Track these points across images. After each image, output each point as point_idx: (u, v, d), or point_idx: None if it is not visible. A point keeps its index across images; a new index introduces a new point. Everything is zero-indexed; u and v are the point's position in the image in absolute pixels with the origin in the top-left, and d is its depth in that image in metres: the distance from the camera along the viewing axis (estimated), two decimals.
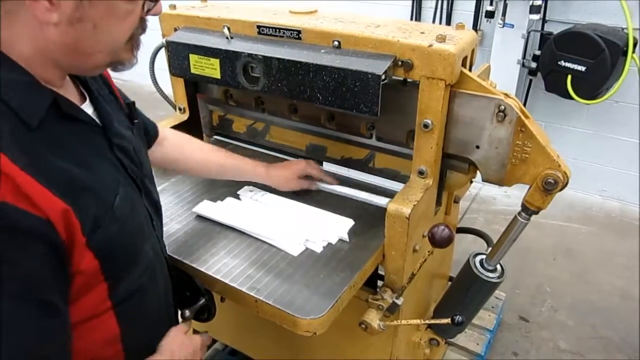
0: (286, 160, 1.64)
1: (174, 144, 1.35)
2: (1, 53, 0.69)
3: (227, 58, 1.34)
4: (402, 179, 1.47)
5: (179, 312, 1.22)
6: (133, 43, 0.81)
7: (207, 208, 1.41)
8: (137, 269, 0.88)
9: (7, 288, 0.63)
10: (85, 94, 0.88)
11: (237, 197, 1.49)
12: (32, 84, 0.72)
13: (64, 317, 0.73)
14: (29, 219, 0.64)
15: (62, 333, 0.73)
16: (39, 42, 0.70)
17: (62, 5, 0.68)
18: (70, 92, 0.82)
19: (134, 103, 1.03)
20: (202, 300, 1.21)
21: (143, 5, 0.78)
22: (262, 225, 1.32)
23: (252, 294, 1.11)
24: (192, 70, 1.42)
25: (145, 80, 1.71)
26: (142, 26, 0.81)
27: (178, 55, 1.43)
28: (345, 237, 1.30)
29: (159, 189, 1.49)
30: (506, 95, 1.19)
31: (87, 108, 0.85)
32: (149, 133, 1.24)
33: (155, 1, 0.80)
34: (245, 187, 1.52)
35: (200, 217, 1.38)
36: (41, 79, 0.74)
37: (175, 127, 1.67)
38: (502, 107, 1.17)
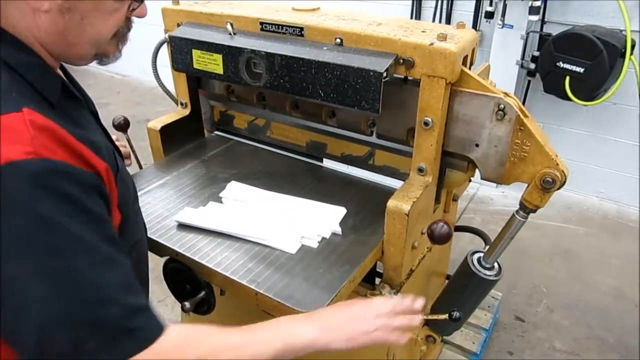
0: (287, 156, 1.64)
1: None
2: (15, 38, 0.74)
3: (230, 54, 1.35)
4: (402, 176, 1.48)
5: (174, 304, 1.24)
6: (119, 39, 0.86)
7: (190, 215, 1.34)
8: (136, 225, 0.97)
9: (99, 233, 0.72)
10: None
11: (220, 200, 1.44)
12: (45, 66, 0.78)
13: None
14: (86, 175, 0.73)
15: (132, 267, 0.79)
16: (33, 29, 0.75)
17: None
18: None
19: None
20: (202, 293, 1.22)
21: (129, 6, 0.83)
22: (254, 227, 1.29)
23: (252, 287, 1.12)
24: (195, 66, 1.43)
25: (145, 76, 1.74)
26: (127, 25, 0.87)
27: (181, 51, 1.44)
28: (338, 229, 1.30)
29: (160, 182, 1.52)
30: (506, 94, 1.21)
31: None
32: None
33: (140, 2, 0.85)
34: (228, 186, 1.49)
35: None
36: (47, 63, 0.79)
37: (177, 121, 1.69)
38: (502, 106, 1.18)
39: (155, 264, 1.21)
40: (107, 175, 0.77)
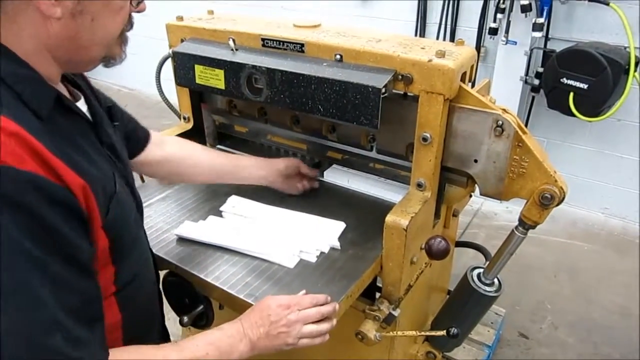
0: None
1: (175, 144, 1.39)
2: (8, 50, 0.74)
3: (231, 69, 1.37)
4: (403, 179, 1.50)
5: (178, 319, 1.24)
6: (122, 38, 0.87)
7: (190, 229, 1.35)
8: (135, 253, 0.95)
9: (54, 251, 0.69)
10: (80, 94, 0.93)
11: (220, 214, 1.45)
12: (38, 79, 0.77)
13: (97, 282, 0.79)
14: (59, 190, 0.70)
15: (99, 294, 0.78)
16: (42, 37, 0.75)
17: None
18: (63, 91, 0.87)
19: (114, 106, 1.08)
20: (200, 307, 1.22)
21: (131, 2, 0.84)
22: (252, 241, 1.29)
23: (249, 301, 1.12)
24: (198, 81, 1.45)
25: (151, 90, 1.75)
26: (130, 22, 0.87)
27: (184, 66, 1.46)
28: (337, 244, 1.31)
29: (161, 196, 1.53)
30: (504, 110, 1.21)
31: (82, 106, 0.90)
32: (139, 135, 1.28)
33: None
34: (229, 200, 1.50)
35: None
36: (42, 75, 0.78)
37: (180, 136, 1.70)
38: (500, 122, 1.19)
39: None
40: (84, 194, 0.74)
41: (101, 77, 5.71)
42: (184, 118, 1.75)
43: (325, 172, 1.64)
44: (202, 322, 1.27)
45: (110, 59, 0.87)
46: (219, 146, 1.87)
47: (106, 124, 0.96)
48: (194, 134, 1.76)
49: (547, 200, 1.17)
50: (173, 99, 1.76)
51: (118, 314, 0.91)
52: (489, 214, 3.31)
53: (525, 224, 1.24)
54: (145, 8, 0.88)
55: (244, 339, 0.98)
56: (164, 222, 1.40)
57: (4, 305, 0.64)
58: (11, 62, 0.74)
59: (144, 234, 1.06)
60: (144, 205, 1.46)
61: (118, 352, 0.81)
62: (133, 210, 0.96)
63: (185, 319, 1.21)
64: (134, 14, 0.87)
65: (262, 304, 1.04)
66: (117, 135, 1.00)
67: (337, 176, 1.62)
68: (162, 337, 1.16)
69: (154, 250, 1.28)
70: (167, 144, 1.36)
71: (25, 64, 0.75)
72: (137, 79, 5.22)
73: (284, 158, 1.54)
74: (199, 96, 1.73)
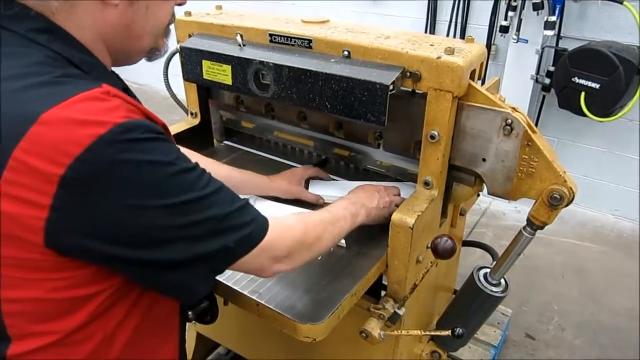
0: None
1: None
2: (75, 40, 0.76)
3: (238, 65, 1.36)
4: (410, 176, 1.50)
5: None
6: (166, 30, 0.90)
7: None
8: None
9: (196, 175, 0.78)
10: None
11: None
12: (105, 67, 0.81)
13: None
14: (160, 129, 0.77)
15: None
16: (99, 26, 0.77)
17: None
18: None
19: None
20: (205, 303, 1.22)
21: None
22: None
23: (254, 297, 1.12)
24: (205, 76, 1.45)
25: (160, 85, 1.75)
26: (173, 14, 0.89)
27: (191, 61, 1.45)
28: (342, 241, 1.30)
29: None
30: (514, 109, 1.20)
31: None
32: None
33: None
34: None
35: None
36: None
37: (187, 131, 1.70)
38: (509, 121, 1.17)
39: None
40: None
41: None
42: (192, 113, 1.74)
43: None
44: (206, 317, 1.27)
45: (155, 51, 0.90)
46: (225, 142, 1.87)
47: None
48: (201, 130, 1.76)
49: (556, 201, 1.16)
50: (181, 94, 1.76)
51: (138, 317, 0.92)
52: (497, 214, 3.29)
53: (534, 225, 1.23)
54: (186, 1, 0.91)
55: (362, 208, 1.21)
56: None
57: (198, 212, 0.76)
58: (78, 50, 0.76)
59: None
60: None
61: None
62: None
63: (190, 314, 1.21)
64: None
65: (367, 187, 1.33)
66: None
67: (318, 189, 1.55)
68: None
69: None
70: None
71: (90, 53, 0.78)
72: (146, 74, 5.24)
73: (293, 170, 1.55)
74: (206, 92, 1.73)
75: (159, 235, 0.73)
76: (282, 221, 0.94)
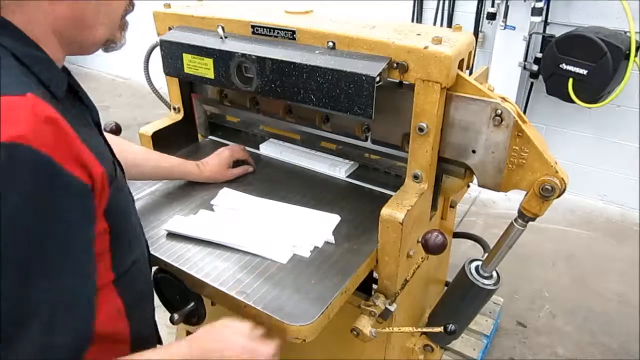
0: None
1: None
2: (21, 32, 0.73)
3: (220, 58, 1.32)
4: (399, 169, 1.48)
5: (169, 316, 1.21)
6: (123, 23, 0.86)
7: (180, 224, 1.31)
8: (132, 241, 0.92)
9: (70, 240, 0.69)
10: None
11: (211, 207, 1.41)
12: (51, 61, 0.77)
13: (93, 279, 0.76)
14: (76, 182, 0.69)
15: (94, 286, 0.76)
16: (49, 19, 0.74)
17: None
18: None
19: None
20: (191, 304, 1.19)
21: None
22: (244, 236, 1.26)
23: (240, 298, 1.09)
24: (186, 70, 1.41)
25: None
26: (131, 3, 0.87)
27: (172, 55, 1.41)
28: (331, 238, 1.27)
29: (150, 189, 1.50)
30: (503, 99, 1.17)
31: None
32: None
33: None
34: (220, 193, 1.47)
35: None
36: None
37: (170, 126, 1.66)
38: (499, 111, 1.15)
39: None
40: (102, 181, 0.74)
41: (95, 66, 5.64)
42: (174, 109, 1.70)
43: (261, 146, 1.70)
44: (194, 319, 1.24)
45: (111, 43, 0.86)
46: (210, 137, 1.83)
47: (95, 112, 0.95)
48: (185, 125, 1.72)
49: (548, 192, 1.14)
50: (165, 88, 1.71)
51: (120, 302, 0.89)
52: (487, 202, 3.28)
53: (525, 216, 1.21)
54: None
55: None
56: (153, 216, 1.36)
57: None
58: (25, 44, 0.73)
59: (139, 222, 1.03)
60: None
61: None
62: (129, 196, 0.95)
63: (176, 316, 1.18)
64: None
65: (221, 332, 0.95)
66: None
67: (270, 150, 1.67)
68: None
69: None
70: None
71: (37, 47, 0.75)
72: (132, 68, 5.15)
73: (220, 153, 1.55)
74: (189, 86, 1.68)
75: None
76: None
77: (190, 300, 1.19)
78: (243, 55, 1.27)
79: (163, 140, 1.62)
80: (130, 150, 1.35)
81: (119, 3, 0.83)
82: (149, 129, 1.60)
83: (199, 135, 1.80)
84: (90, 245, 0.74)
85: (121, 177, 0.88)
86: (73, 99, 0.83)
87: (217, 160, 1.53)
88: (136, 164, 1.35)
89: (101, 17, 0.80)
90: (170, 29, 1.48)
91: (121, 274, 0.88)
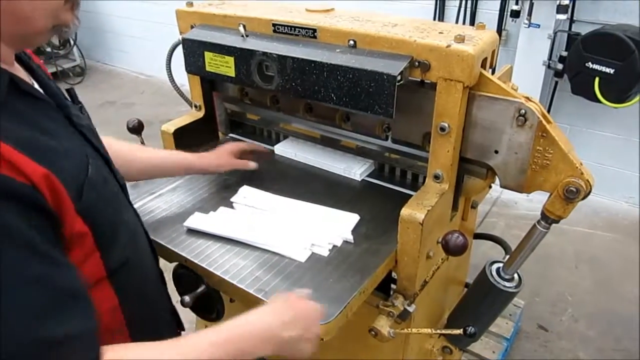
0: None
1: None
2: None
3: (241, 56, 1.32)
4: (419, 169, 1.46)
5: (180, 299, 1.20)
6: (73, 2, 0.81)
7: (200, 221, 1.32)
8: (122, 238, 0.90)
9: (10, 250, 0.64)
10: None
11: (231, 205, 1.42)
12: None
13: (68, 266, 0.72)
14: (16, 186, 0.65)
15: (71, 278, 0.72)
16: None
17: None
18: (21, 74, 0.83)
19: (72, 88, 1.03)
20: (202, 288, 1.19)
21: None
22: (263, 234, 1.26)
23: (259, 296, 1.09)
24: (207, 68, 1.41)
25: None
26: None
27: (193, 53, 1.42)
28: (350, 237, 1.27)
29: (171, 186, 1.51)
30: (527, 98, 1.15)
31: (38, 88, 0.86)
32: None
33: None
34: (240, 190, 1.47)
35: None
36: None
37: (191, 124, 1.67)
38: (523, 111, 1.13)
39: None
40: (47, 182, 0.69)
41: (119, 64, 5.73)
42: (196, 106, 1.71)
43: (278, 145, 1.69)
44: (212, 315, 1.25)
45: (62, 27, 0.81)
46: (231, 134, 1.84)
47: (71, 106, 0.92)
48: (206, 122, 1.73)
49: (572, 194, 1.12)
50: (187, 86, 1.72)
51: (114, 297, 0.88)
52: (509, 203, 3.23)
53: (549, 219, 1.19)
54: None
55: (272, 339, 0.89)
56: (173, 213, 1.38)
57: None
58: None
59: (134, 216, 1.01)
60: (153, 196, 1.45)
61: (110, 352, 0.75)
62: (117, 191, 0.92)
63: (187, 298, 1.17)
64: None
65: (298, 305, 0.97)
66: (86, 116, 0.97)
67: (288, 148, 1.66)
68: (171, 322, 1.14)
69: (163, 242, 1.26)
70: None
71: None
72: (155, 65, 5.21)
73: (221, 146, 1.51)
74: (210, 84, 1.69)
75: None
76: None
77: (201, 283, 1.18)
78: (264, 53, 1.28)
79: (184, 138, 1.64)
80: (124, 147, 1.28)
81: None
82: (171, 127, 1.62)
83: (220, 133, 1.81)
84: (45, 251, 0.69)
85: (98, 173, 0.84)
86: (22, 95, 0.77)
87: (217, 151, 1.48)
88: (127, 160, 1.26)
89: (36, 4, 0.74)
90: (192, 27, 1.49)
91: (114, 271, 0.87)
